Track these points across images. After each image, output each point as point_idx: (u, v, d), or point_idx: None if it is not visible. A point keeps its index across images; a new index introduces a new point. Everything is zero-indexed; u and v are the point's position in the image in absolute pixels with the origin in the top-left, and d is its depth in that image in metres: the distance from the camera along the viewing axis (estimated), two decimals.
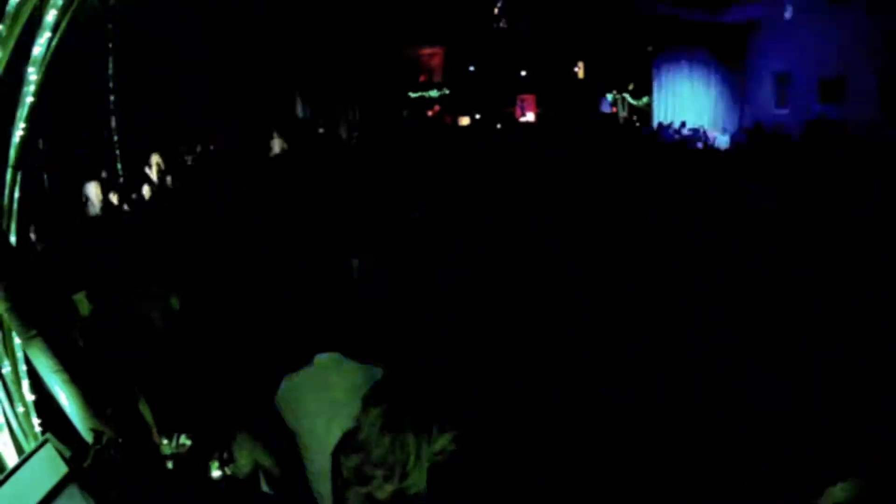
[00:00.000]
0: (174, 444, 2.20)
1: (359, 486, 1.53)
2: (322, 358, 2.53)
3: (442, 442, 1.52)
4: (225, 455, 2.19)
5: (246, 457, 2.40)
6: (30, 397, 2.06)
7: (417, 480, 1.50)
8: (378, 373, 2.36)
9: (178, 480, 2.05)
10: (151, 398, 2.47)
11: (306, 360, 2.59)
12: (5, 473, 1.81)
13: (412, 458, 1.49)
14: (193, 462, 2.12)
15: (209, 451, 2.17)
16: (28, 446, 2.01)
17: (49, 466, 1.91)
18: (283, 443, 2.47)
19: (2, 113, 2.26)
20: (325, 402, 2.39)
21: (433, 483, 1.49)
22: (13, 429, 2.00)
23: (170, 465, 2.09)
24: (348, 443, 1.57)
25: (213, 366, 3.23)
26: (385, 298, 4.60)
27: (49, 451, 1.96)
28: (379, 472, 1.49)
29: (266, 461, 2.49)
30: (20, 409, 2.01)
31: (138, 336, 3.36)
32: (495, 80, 19.75)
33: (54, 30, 2.33)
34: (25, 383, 2.09)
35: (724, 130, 16.59)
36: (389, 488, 1.49)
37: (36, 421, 2.06)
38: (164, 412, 2.42)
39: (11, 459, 2.00)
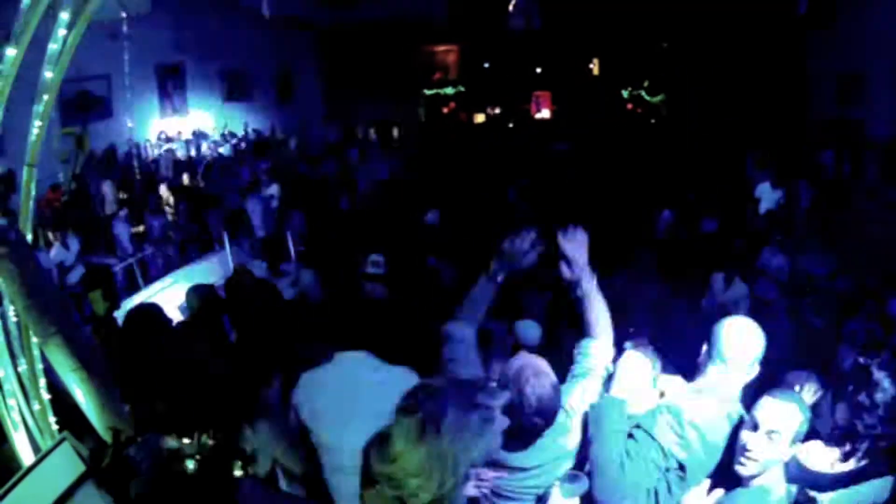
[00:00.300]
0: (195, 443, 2.19)
1: (392, 491, 1.50)
2: (345, 355, 2.50)
3: (479, 449, 1.49)
4: (246, 454, 2.17)
5: (265, 455, 2.39)
6: (46, 396, 2.06)
7: (455, 488, 1.47)
8: (410, 377, 2.33)
9: (199, 480, 2.04)
10: (171, 397, 2.47)
11: (324, 357, 2.56)
12: (22, 471, 1.81)
13: (449, 466, 1.46)
14: (216, 462, 2.10)
15: (231, 450, 2.15)
16: (44, 444, 2.01)
17: (66, 464, 1.91)
18: (299, 438, 2.46)
19: (18, 111, 2.27)
20: (346, 399, 2.36)
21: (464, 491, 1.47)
22: (29, 426, 2.00)
23: (191, 464, 2.08)
24: (381, 449, 1.54)
25: (233, 363, 3.23)
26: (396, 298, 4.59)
27: (66, 450, 1.96)
28: (415, 481, 1.47)
29: (284, 459, 2.48)
30: (36, 407, 2.01)
31: (157, 334, 3.38)
32: (510, 77, 19.65)
33: (69, 27, 2.33)
34: (42, 381, 2.09)
35: None
36: (426, 497, 1.46)
37: (52, 419, 2.06)
38: (184, 411, 2.41)
39: (28, 457, 2.00)
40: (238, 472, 2.11)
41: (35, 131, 2.29)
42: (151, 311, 3.59)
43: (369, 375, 2.42)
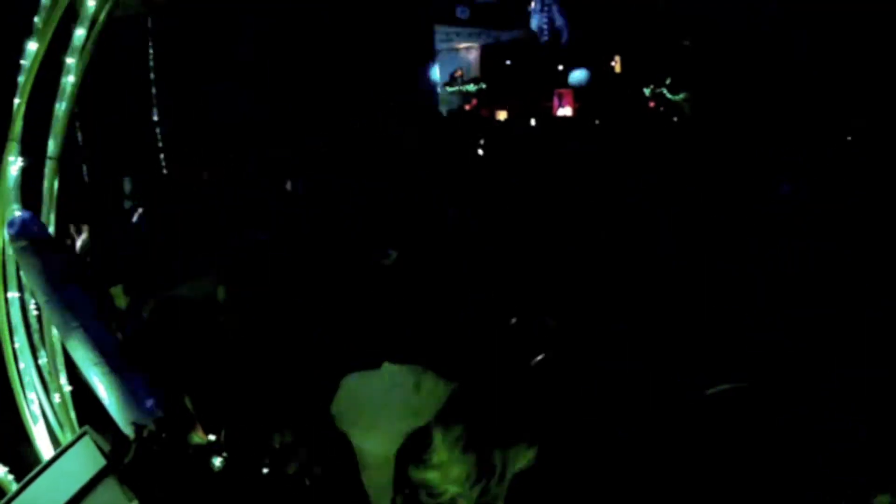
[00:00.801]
0: (223, 440, 2.17)
1: (429, 500, 1.46)
2: (392, 366, 2.42)
3: (526, 458, 1.45)
4: (275, 454, 2.14)
5: (294, 457, 2.34)
6: (67, 388, 2.05)
7: (497, 495, 1.43)
8: (450, 387, 2.27)
9: (225, 478, 2.01)
10: (197, 393, 2.45)
11: (362, 363, 2.48)
12: (42, 465, 1.80)
13: (496, 475, 1.42)
14: (242, 460, 2.08)
15: (259, 449, 2.12)
16: (64, 437, 2.00)
17: (87, 459, 1.90)
18: (334, 446, 2.40)
19: (41, 103, 2.27)
20: (391, 411, 2.30)
21: (511, 499, 1.42)
22: (48, 419, 2.00)
23: (217, 462, 2.06)
24: (420, 457, 1.50)
25: (264, 361, 3.19)
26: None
27: (87, 444, 1.95)
28: (454, 489, 1.43)
29: (314, 463, 2.42)
30: (57, 400, 2.00)
31: (182, 329, 3.35)
32: (532, 74, 19.57)
33: (94, 19, 2.33)
34: (63, 375, 2.08)
35: None
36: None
37: (72, 413, 2.05)
38: (210, 408, 2.38)
39: (47, 450, 1.99)
40: (266, 471, 2.07)
41: (59, 125, 2.29)
42: (178, 305, 3.57)
43: (409, 389, 2.34)
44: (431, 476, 1.45)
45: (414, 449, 1.56)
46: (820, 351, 4.10)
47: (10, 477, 1.91)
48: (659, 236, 7.65)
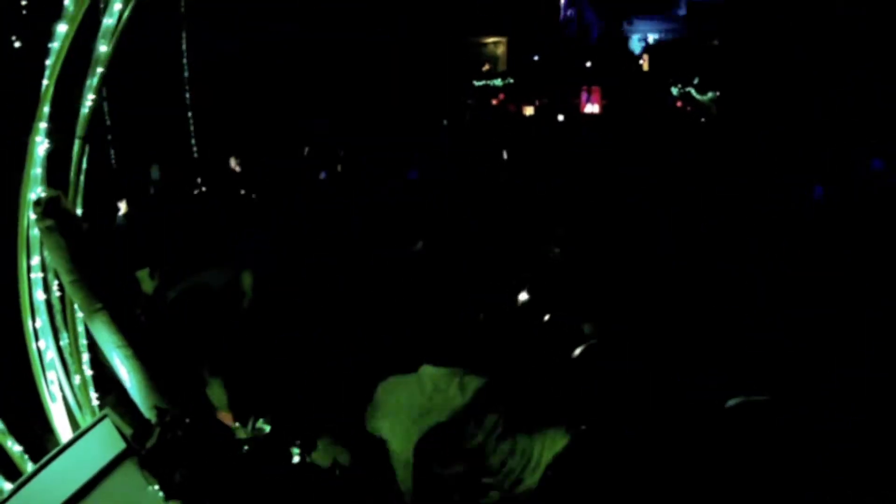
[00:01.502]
0: (250, 428, 2.14)
1: (460, 490, 1.44)
2: (431, 370, 2.37)
3: (561, 444, 1.43)
4: (306, 443, 2.09)
5: (326, 451, 2.30)
6: (88, 372, 2.04)
7: (530, 484, 1.41)
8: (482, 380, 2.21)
9: (254, 465, 1.99)
10: (226, 379, 2.42)
11: (396, 363, 2.42)
12: (61, 446, 1.79)
13: (532, 462, 1.40)
14: (272, 447, 2.04)
15: (289, 437, 2.08)
16: (84, 420, 1.99)
17: (106, 441, 1.89)
18: (367, 446, 2.35)
19: (70, 85, 2.26)
20: (433, 415, 2.25)
21: (543, 486, 1.40)
22: (68, 401, 1.99)
23: (245, 449, 2.03)
24: (447, 446, 1.48)
25: (297, 350, 3.15)
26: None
27: (107, 426, 1.94)
28: (488, 479, 1.41)
29: (345, 460, 2.38)
30: (77, 381, 1.99)
31: (210, 314, 3.34)
32: (559, 70, 19.41)
33: (125, 3, 2.31)
34: (85, 357, 2.07)
35: None
36: (496, 495, 1.41)
37: (93, 395, 2.04)
38: (239, 395, 2.36)
39: (65, 431, 1.98)
40: (296, 459, 2.04)
41: (88, 104, 2.28)
42: (206, 291, 3.57)
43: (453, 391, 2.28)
44: (463, 468, 1.43)
45: (436, 443, 1.53)
46: (820, 351, 4.01)
47: (26, 456, 1.90)
48: (688, 238, 7.57)
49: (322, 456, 2.17)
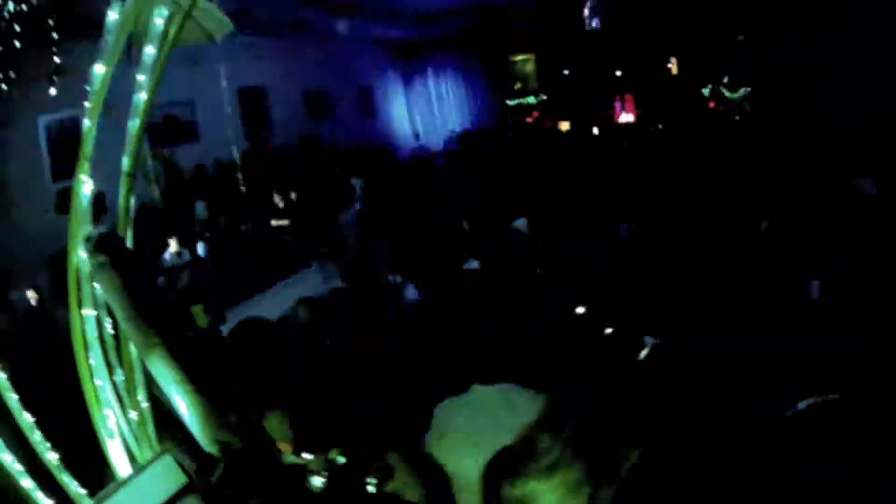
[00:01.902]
0: (323, 460, 2.08)
1: None
2: (483, 389, 2.32)
3: (634, 458, 1.33)
4: (383, 471, 2.02)
5: (400, 479, 2.23)
6: (145, 405, 2.01)
7: (606, 496, 1.32)
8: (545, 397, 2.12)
9: (330, 497, 1.93)
10: (291, 411, 2.37)
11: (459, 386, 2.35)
12: (119, 481, 1.75)
13: (608, 478, 1.31)
14: (348, 478, 1.98)
15: (364, 467, 2.01)
16: (142, 455, 1.96)
17: (166, 477, 1.85)
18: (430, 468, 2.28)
19: (113, 122, 2.28)
20: (485, 435, 2.17)
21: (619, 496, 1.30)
22: (125, 437, 1.96)
23: (318, 482, 1.97)
24: (514, 470, 1.40)
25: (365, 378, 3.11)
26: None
27: (167, 462, 1.90)
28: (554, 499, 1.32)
29: (416, 492, 2.31)
30: (134, 416, 1.96)
31: (268, 346, 3.32)
32: (590, 81, 19.26)
33: (164, 36, 2.33)
34: (141, 392, 2.04)
35: None
36: None
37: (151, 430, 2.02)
38: (304, 426, 2.31)
39: (123, 468, 1.95)
40: (372, 489, 1.97)
41: (132, 141, 2.29)
42: (263, 324, 3.56)
43: (504, 414, 2.20)
44: (532, 488, 1.34)
45: (506, 463, 1.45)
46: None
47: (84, 491, 1.88)
48: (744, 241, 7.36)
49: (394, 484, 2.09)
